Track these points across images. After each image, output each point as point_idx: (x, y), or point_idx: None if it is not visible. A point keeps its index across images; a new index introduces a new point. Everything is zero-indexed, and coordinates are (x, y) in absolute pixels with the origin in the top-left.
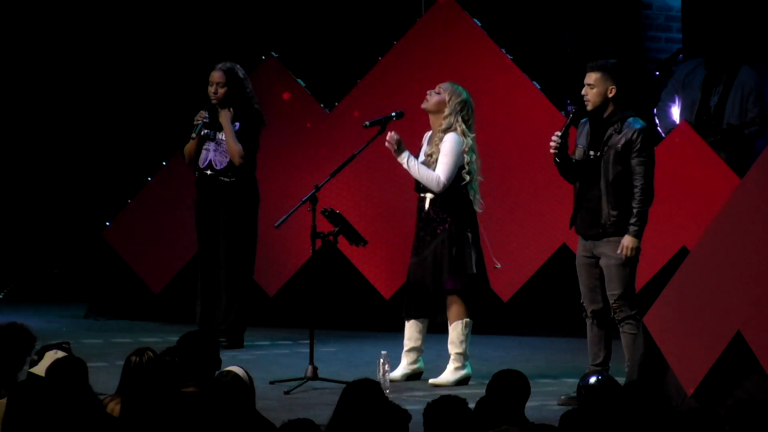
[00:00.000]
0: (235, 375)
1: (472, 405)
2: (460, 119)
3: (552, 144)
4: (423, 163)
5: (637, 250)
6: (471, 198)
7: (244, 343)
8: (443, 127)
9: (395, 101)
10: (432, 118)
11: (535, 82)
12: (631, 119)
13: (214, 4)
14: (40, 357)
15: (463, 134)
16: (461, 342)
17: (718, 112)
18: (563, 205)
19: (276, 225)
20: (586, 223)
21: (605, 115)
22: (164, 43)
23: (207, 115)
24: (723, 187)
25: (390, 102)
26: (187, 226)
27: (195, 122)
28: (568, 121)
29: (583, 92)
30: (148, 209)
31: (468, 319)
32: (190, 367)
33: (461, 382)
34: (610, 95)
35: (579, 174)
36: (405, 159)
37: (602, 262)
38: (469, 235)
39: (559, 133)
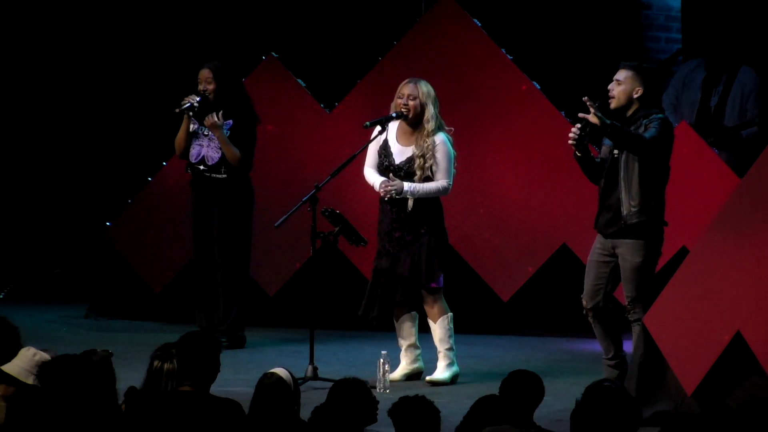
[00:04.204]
0: (279, 378)
1: (470, 402)
2: (438, 116)
3: (570, 135)
4: (410, 162)
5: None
6: None
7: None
8: (429, 129)
9: None
10: (411, 120)
11: (535, 82)
12: (657, 116)
13: (215, 4)
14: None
15: (441, 128)
16: (449, 337)
17: (718, 112)
18: (563, 205)
19: (276, 225)
20: (606, 222)
21: (629, 113)
22: (164, 43)
23: (199, 99)
24: (723, 187)
25: (390, 102)
26: (187, 226)
27: (182, 102)
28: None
29: (609, 87)
30: (148, 209)
31: (451, 314)
32: (188, 368)
33: (454, 378)
34: (636, 95)
35: (603, 173)
36: (408, 191)
37: (620, 262)
38: (445, 233)
39: (579, 125)
